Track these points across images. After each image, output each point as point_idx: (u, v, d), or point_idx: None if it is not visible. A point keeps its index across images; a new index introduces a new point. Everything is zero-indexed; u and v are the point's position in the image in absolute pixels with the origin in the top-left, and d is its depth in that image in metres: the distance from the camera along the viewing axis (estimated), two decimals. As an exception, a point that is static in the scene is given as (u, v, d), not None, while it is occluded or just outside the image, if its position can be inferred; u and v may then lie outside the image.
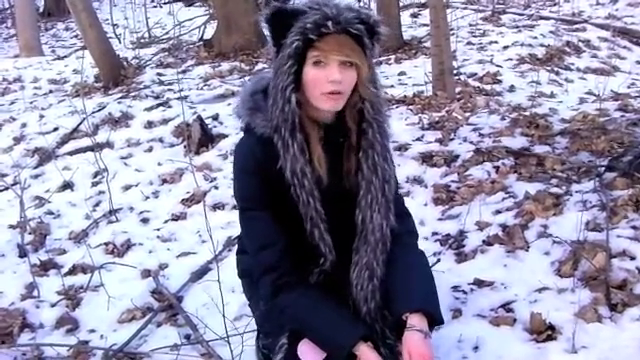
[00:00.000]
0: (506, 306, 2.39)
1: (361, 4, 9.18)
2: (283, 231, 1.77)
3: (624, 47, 7.00)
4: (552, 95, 5.12)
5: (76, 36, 11.20)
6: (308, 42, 1.62)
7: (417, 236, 1.97)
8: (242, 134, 1.85)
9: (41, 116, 5.63)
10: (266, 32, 1.72)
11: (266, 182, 1.74)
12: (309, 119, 1.73)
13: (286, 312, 1.76)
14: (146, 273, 3.09)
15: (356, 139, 1.77)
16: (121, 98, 5.80)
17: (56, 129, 5.29)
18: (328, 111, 1.72)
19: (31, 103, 6.33)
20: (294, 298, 1.75)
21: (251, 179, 1.76)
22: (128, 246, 3.41)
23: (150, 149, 4.75)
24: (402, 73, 5.96)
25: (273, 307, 1.79)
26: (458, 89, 4.98)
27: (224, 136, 4.63)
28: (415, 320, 1.68)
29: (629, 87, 5.37)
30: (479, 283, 2.56)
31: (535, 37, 6.83)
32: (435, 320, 1.73)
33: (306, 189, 1.72)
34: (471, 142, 3.92)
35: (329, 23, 1.60)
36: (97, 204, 3.99)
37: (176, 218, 3.70)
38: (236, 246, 2.31)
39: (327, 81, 1.64)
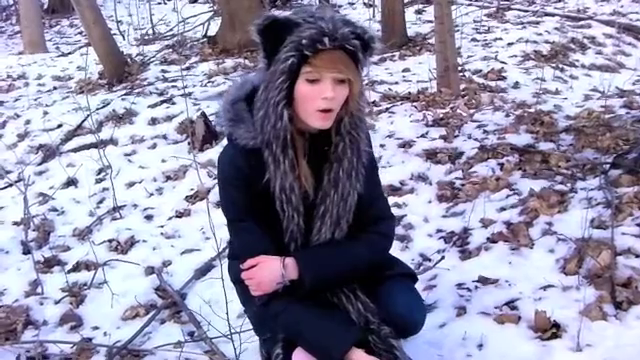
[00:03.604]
0: (510, 304, 2.38)
1: (365, 0, 9.18)
2: (271, 240, 1.77)
3: (629, 44, 6.96)
4: (557, 92, 5.10)
5: (80, 33, 11.19)
6: (302, 58, 1.59)
7: (390, 240, 1.94)
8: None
9: (45, 113, 5.63)
10: (258, 43, 1.66)
11: (250, 193, 1.73)
12: (297, 132, 1.71)
13: (278, 319, 1.77)
14: (150, 270, 3.10)
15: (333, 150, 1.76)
16: (125, 95, 5.80)
17: (60, 126, 5.29)
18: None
19: (35, 100, 6.33)
20: (285, 304, 1.75)
21: (235, 190, 1.75)
22: (132, 243, 3.41)
23: (154, 146, 4.75)
24: (406, 70, 5.95)
25: (266, 313, 1.80)
26: (462, 86, 4.96)
27: (228, 133, 4.61)
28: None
29: (634, 84, 5.34)
30: (483, 281, 2.55)
31: (540, 34, 6.80)
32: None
33: (293, 205, 1.73)
34: (475, 139, 3.91)
35: (325, 39, 1.56)
36: (101, 201, 4.00)
37: (180, 215, 3.70)
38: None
39: (320, 98, 1.61)
